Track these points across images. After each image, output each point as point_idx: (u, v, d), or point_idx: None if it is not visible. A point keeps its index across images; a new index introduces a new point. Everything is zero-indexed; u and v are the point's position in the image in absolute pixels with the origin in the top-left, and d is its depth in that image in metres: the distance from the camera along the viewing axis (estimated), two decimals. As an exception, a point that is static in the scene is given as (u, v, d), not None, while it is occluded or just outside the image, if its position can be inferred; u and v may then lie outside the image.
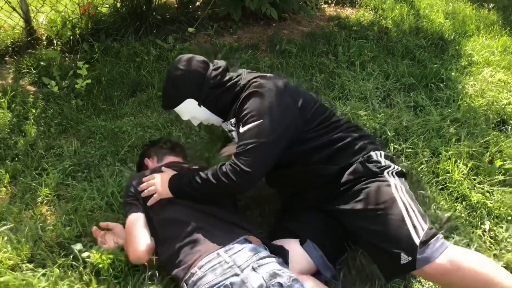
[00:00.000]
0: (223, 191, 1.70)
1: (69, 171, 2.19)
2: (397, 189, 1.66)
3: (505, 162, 2.31)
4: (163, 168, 1.87)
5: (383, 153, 1.80)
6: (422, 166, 2.25)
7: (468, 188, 2.15)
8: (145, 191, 1.76)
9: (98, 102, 2.71)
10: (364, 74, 3.08)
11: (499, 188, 2.17)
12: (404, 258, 1.53)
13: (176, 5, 3.79)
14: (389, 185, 1.66)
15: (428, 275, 1.56)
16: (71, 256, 1.75)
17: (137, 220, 1.73)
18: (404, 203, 1.61)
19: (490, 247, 1.91)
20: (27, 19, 3.19)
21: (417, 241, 1.51)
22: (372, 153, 1.77)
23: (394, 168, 1.75)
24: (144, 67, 3.04)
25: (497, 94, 2.88)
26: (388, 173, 1.71)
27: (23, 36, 3.22)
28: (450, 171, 2.23)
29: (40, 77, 2.88)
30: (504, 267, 1.73)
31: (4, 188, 2.10)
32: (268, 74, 1.88)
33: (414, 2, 4.33)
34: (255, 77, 1.82)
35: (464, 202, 2.10)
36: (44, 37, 3.24)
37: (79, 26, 3.34)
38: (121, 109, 2.69)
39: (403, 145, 2.38)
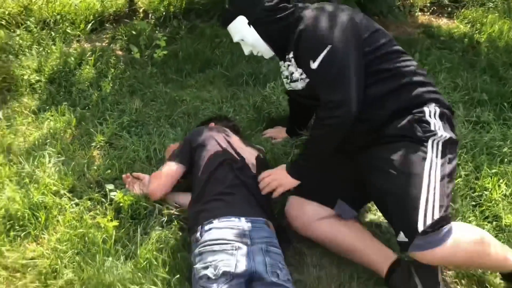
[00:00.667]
0: (335, 136, 1.70)
1: (125, 125, 2.46)
2: (431, 167, 1.59)
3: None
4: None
5: (438, 110, 1.68)
6: (459, 179, 2.15)
7: (503, 209, 2.02)
8: (266, 188, 1.83)
9: (169, 72, 2.97)
10: (433, 83, 2.98)
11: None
12: (401, 237, 1.54)
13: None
14: (425, 159, 1.59)
15: (415, 257, 1.55)
16: (103, 193, 2.00)
17: (175, 170, 1.92)
18: (428, 185, 1.56)
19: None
20: (130, -7, 3.60)
21: (420, 229, 1.49)
22: (426, 109, 1.67)
23: (441, 136, 1.63)
24: (220, 47, 3.25)
25: None
26: (433, 142, 1.62)
27: (124, 7, 3.61)
28: (489, 189, 2.11)
29: (128, 44, 3.22)
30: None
31: (70, 130, 2.42)
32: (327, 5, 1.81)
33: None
34: (313, 9, 1.79)
35: (494, 223, 1.98)
36: (141, 10, 3.61)
37: (174, 4, 3.67)
38: (187, 81, 2.93)
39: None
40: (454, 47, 3.49)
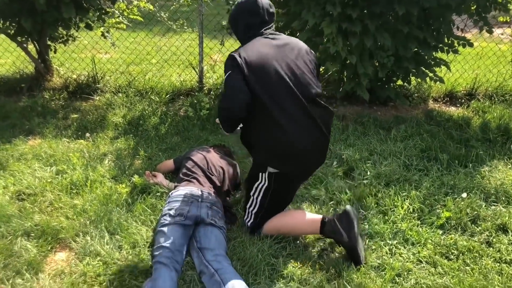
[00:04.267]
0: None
1: (163, 149, 3.65)
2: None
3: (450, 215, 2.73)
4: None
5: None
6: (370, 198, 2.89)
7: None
8: None
9: (207, 124, 4.18)
10: (400, 143, 3.75)
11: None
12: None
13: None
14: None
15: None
16: (129, 179, 3.14)
17: (169, 162, 3.22)
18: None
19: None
20: (200, 77, 5.01)
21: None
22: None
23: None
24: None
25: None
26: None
27: (196, 87, 5.02)
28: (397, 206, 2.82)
29: (189, 107, 4.54)
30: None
31: (129, 149, 3.68)
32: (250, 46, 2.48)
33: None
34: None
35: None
36: (206, 88, 4.97)
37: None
38: (217, 130, 4.09)
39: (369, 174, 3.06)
40: (444, 124, 4.18)
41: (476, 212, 2.81)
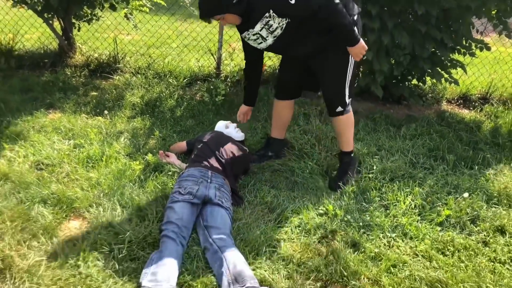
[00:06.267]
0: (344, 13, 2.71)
1: (176, 131, 3.77)
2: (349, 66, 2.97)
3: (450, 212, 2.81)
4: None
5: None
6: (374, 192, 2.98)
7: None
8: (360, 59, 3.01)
9: (221, 109, 4.28)
10: (408, 141, 3.81)
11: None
12: (339, 109, 3.10)
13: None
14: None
15: (339, 120, 3.16)
16: (143, 157, 3.26)
17: (183, 144, 3.35)
18: (347, 76, 3.01)
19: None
20: (218, 64, 5.11)
21: (347, 102, 3.11)
22: None
23: None
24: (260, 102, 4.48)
25: None
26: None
27: (213, 73, 5.12)
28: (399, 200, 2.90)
29: (205, 92, 4.65)
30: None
31: (144, 129, 3.81)
32: None
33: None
34: None
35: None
36: (223, 75, 5.07)
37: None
38: (231, 115, 4.18)
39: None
40: (455, 126, 4.23)
41: (476, 213, 2.88)
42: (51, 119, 3.83)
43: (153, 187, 2.89)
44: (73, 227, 2.54)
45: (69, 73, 4.82)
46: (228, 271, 2.18)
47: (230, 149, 3.12)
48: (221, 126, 3.46)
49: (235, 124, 3.51)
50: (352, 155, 3.26)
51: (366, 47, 2.88)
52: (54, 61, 5.05)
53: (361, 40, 2.84)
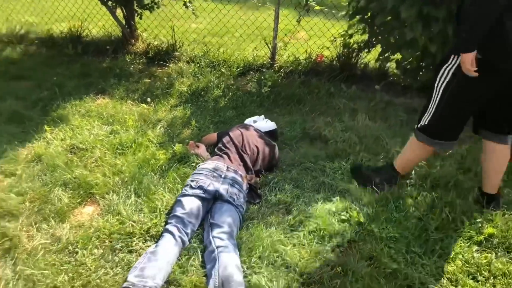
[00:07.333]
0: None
1: (214, 121, 3.70)
2: None
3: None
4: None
5: None
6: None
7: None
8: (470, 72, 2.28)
9: (265, 101, 4.13)
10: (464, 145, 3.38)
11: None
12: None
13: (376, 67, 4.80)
14: None
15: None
16: (172, 146, 3.23)
17: (213, 135, 3.23)
18: None
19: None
20: (273, 54, 4.94)
21: None
22: None
23: None
24: (311, 93, 4.25)
25: None
26: None
27: (267, 63, 4.97)
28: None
29: (255, 82, 4.53)
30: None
31: (185, 118, 3.79)
32: None
33: None
34: None
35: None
36: (277, 65, 4.90)
37: (303, 66, 4.86)
38: (273, 108, 4.03)
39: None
40: None
41: (528, 234, 2.46)
42: (98, 105, 3.94)
43: (172, 179, 2.84)
44: (86, 212, 2.57)
45: (128, 60, 4.96)
46: (217, 274, 2.06)
47: (254, 143, 2.98)
48: (250, 120, 3.33)
49: (262, 116, 3.35)
50: None
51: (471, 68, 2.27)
52: (116, 48, 5.22)
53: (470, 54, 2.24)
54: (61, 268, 2.13)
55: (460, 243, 2.40)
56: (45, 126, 3.43)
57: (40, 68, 4.81)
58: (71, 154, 3.13)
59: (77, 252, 2.23)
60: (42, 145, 3.20)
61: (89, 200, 2.68)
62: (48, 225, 2.42)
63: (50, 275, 2.07)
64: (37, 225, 2.42)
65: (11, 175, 2.87)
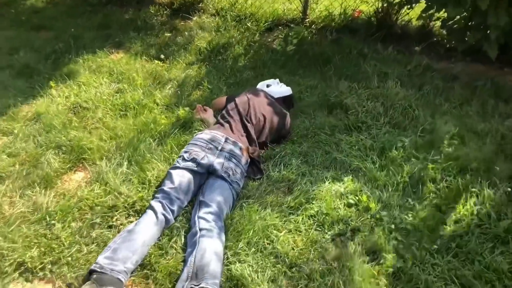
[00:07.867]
0: None
1: (228, 83, 3.43)
2: None
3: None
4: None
5: None
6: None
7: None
8: None
9: (289, 61, 3.79)
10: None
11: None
12: None
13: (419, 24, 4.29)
14: None
15: None
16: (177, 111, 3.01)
17: (224, 100, 2.93)
18: None
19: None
20: (305, 7, 4.52)
21: None
22: None
23: None
24: (340, 54, 3.85)
25: None
26: None
27: (298, 17, 4.56)
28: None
29: (282, 39, 4.17)
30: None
31: (198, 77, 3.53)
32: None
33: None
34: None
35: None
36: (308, 21, 4.48)
37: (337, 22, 4.42)
38: (297, 70, 3.68)
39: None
40: None
41: None
42: (111, 60, 3.75)
43: (170, 147, 2.63)
44: (75, 179, 2.43)
45: (152, 12, 4.70)
46: (193, 261, 1.86)
47: (261, 111, 2.69)
48: (263, 84, 3.02)
49: (277, 80, 3.03)
50: None
51: None
52: (140, -2, 4.97)
53: None
54: (34, 241, 2.00)
55: (482, 241, 2.07)
56: (51, 82, 3.28)
57: (62, 18, 4.65)
58: (72, 114, 2.98)
59: (54, 225, 2.10)
60: (44, 102, 3.06)
61: (80, 165, 2.53)
62: (32, 192, 2.30)
63: (20, 249, 1.95)
64: (21, 191, 2.29)
65: (9, 134, 2.77)
